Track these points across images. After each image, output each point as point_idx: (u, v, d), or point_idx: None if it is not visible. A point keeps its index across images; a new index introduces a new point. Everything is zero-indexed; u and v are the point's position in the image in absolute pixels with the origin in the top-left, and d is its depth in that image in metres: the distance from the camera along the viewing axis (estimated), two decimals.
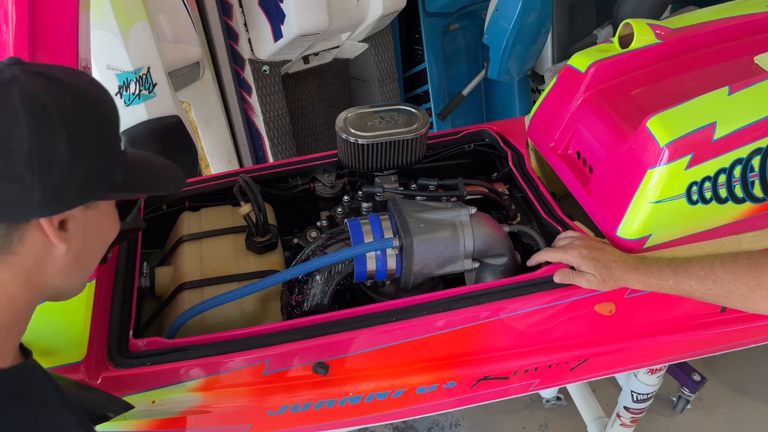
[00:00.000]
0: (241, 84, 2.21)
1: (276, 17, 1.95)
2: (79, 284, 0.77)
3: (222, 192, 1.52)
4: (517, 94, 2.78)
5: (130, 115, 1.62)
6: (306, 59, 2.33)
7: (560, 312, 1.21)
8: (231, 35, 2.12)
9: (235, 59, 2.17)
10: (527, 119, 1.61)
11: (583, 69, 1.39)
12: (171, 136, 1.71)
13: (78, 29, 0.92)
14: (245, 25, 2.09)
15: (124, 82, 1.59)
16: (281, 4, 1.91)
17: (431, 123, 2.58)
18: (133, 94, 1.61)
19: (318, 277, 1.21)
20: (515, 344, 1.24)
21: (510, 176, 1.51)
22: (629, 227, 1.17)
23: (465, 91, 2.53)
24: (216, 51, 2.15)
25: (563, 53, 2.58)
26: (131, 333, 1.13)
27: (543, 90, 1.59)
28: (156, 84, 1.64)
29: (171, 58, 1.72)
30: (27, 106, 0.62)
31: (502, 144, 1.57)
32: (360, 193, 1.41)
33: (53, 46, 0.90)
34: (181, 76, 1.85)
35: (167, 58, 1.70)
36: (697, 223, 1.18)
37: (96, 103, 0.70)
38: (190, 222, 1.46)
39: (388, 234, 1.19)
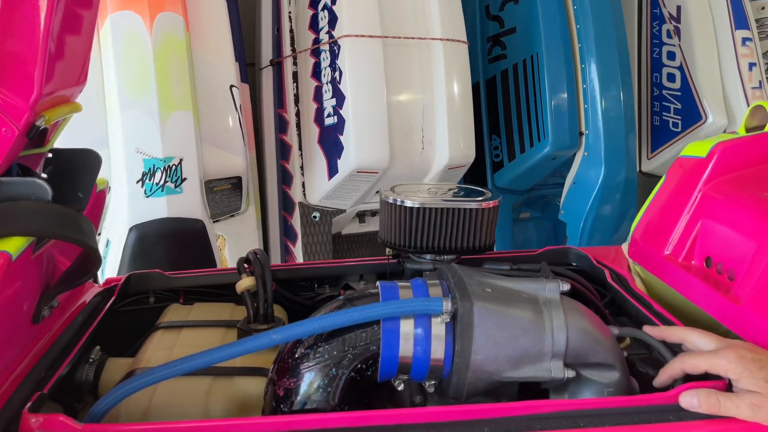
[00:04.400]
0: (287, 233, 2.00)
1: (334, 152, 1.81)
2: None
3: (226, 287, 1.19)
4: None
5: (147, 208, 1.40)
6: (362, 218, 2.13)
7: None
8: (285, 179, 1.98)
9: (286, 205, 2.00)
10: (625, 243, 1.26)
11: (703, 154, 1.08)
12: (189, 244, 1.45)
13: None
14: (301, 168, 1.96)
15: (150, 168, 1.41)
16: (341, 137, 1.78)
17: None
18: (157, 184, 1.41)
19: (320, 360, 0.80)
20: None
21: (612, 300, 1.11)
22: None
23: None
24: (267, 194, 2.00)
25: None
26: (29, 406, 0.73)
27: None
28: (185, 180, 1.44)
29: (210, 164, 1.55)
30: None
31: (595, 263, 1.20)
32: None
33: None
34: (220, 198, 1.66)
35: (206, 163, 1.53)
36: None
37: None
38: (175, 314, 1.11)
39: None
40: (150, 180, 1.40)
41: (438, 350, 0.79)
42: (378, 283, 0.85)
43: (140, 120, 1.41)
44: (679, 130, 2.37)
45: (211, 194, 1.62)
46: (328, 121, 1.82)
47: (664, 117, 2.41)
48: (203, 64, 1.55)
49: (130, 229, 1.38)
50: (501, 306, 0.80)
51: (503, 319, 0.79)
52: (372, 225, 2.17)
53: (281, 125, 1.97)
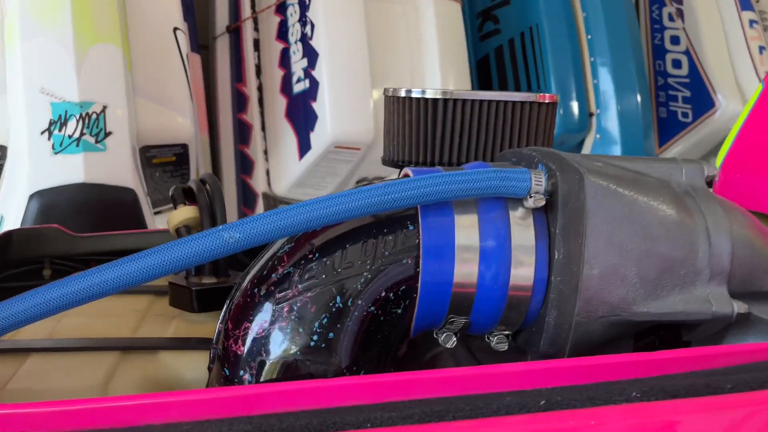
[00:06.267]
0: None
1: (305, 124, 1.48)
2: None
3: None
4: None
5: (55, 169, 1.03)
6: None
7: None
8: (245, 167, 1.63)
9: (246, 199, 1.64)
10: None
11: None
12: (115, 221, 1.08)
13: None
14: (265, 152, 1.61)
15: (60, 116, 1.04)
16: (313, 105, 1.45)
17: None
18: (70, 137, 1.04)
19: (313, 284, 0.44)
20: None
21: None
22: None
23: None
24: (222, 186, 1.63)
25: None
26: None
27: None
28: (110, 134, 1.08)
29: (147, 123, 1.19)
30: None
31: None
32: None
33: None
34: (161, 177, 1.29)
35: (141, 122, 1.18)
36: None
37: None
38: None
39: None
40: (60, 131, 1.04)
41: (522, 267, 0.44)
42: (407, 169, 0.51)
43: (48, 51, 1.05)
44: (690, 120, 2.13)
45: (149, 168, 1.25)
46: (298, 87, 1.50)
47: (671, 108, 2.18)
48: None
49: (31, 197, 1.00)
50: (626, 187, 0.46)
51: (632, 208, 0.45)
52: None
53: (240, 103, 1.63)
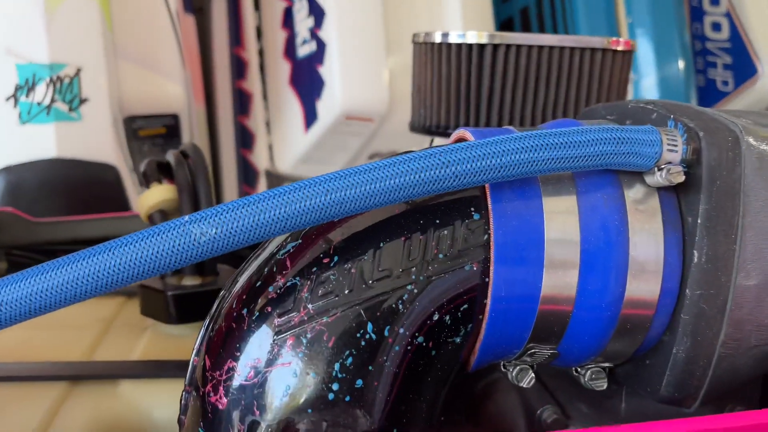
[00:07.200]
0: None
1: (311, 92, 1.33)
2: None
3: None
4: None
5: (23, 141, 0.89)
6: None
7: None
8: (245, 140, 1.49)
9: (246, 176, 1.49)
10: None
11: None
12: (93, 203, 0.94)
13: None
14: (267, 124, 1.46)
15: (28, 80, 0.90)
16: (320, 69, 1.30)
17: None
18: (39, 104, 0.90)
19: (331, 303, 0.30)
20: None
21: None
22: None
23: None
24: (221, 162, 1.49)
25: None
26: None
27: None
28: (86, 101, 0.94)
29: (131, 90, 1.04)
30: None
31: None
32: None
33: None
34: (150, 151, 1.15)
35: (125, 89, 1.03)
36: None
37: None
38: None
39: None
40: (28, 97, 0.89)
41: (644, 274, 0.30)
42: (463, 130, 0.36)
43: (13, 5, 0.91)
44: (730, 89, 1.96)
45: (136, 141, 1.10)
46: (303, 50, 1.34)
47: (709, 75, 2.01)
48: None
49: None
50: None
51: None
52: None
53: (239, 69, 1.48)
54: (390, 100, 1.31)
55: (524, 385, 0.33)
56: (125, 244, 0.26)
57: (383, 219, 0.30)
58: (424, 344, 0.29)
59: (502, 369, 0.34)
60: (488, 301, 0.30)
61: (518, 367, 0.33)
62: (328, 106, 1.29)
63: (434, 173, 0.27)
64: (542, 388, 0.39)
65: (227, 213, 0.26)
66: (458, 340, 0.30)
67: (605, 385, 0.34)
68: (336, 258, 0.29)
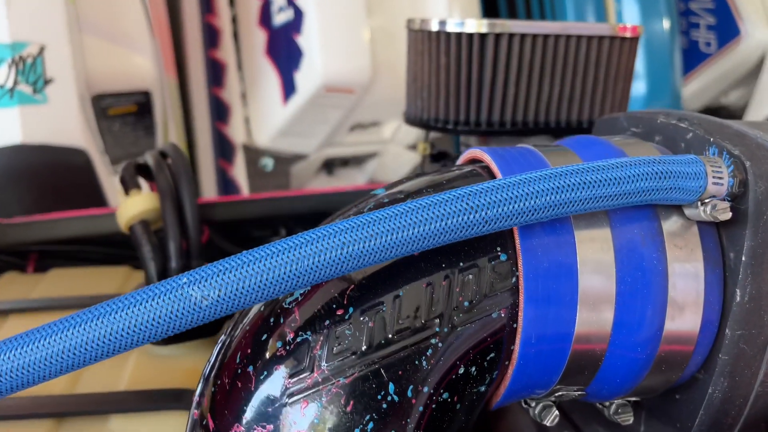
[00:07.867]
0: (227, 189, 1.44)
1: (289, 63, 1.27)
2: None
3: (118, 243, 0.64)
4: None
5: None
6: (330, 169, 1.59)
7: None
8: (220, 113, 1.43)
9: (223, 150, 1.44)
10: None
11: None
12: (63, 193, 0.89)
13: None
14: (243, 95, 1.40)
15: None
16: (298, 39, 1.24)
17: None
18: (1, 87, 0.84)
19: (346, 363, 0.27)
20: None
21: None
22: None
23: None
24: (195, 136, 1.43)
25: None
26: None
27: None
28: (51, 82, 0.88)
29: (99, 66, 0.98)
30: None
31: None
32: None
33: None
34: (120, 130, 1.09)
35: (91, 65, 0.97)
36: None
37: None
38: (10, 289, 0.56)
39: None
40: None
41: (683, 314, 0.27)
42: (476, 150, 0.33)
43: None
44: (713, 50, 1.95)
45: (105, 121, 1.04)
46: (280, 18, 1.28)
47: (692, 37, 1.98)
48: None
49: None
50: None
51: None
52: (344, 178, 1.63)
53: (211, 38, 1.41)
54: (371, 69, 1.26)
55: (548, 424, 0.31)
56: (116, 311, 0.23)
57: (401, 261, 0.27)
58: (449, 399, 0.26)
59: (524, 405, 0.32)
60: (516, 347, 0.27)
61: (541, 404, 0.31)
62: (307, 77, 1.24)
63: (461, 219, 0.24)
64: (560, 413, 0.37)
65: (230, 273, 0.23)
66: (483, 389, 0.28)
67: (631, 420, 0.32)
68: (351, 309, 0.26)
